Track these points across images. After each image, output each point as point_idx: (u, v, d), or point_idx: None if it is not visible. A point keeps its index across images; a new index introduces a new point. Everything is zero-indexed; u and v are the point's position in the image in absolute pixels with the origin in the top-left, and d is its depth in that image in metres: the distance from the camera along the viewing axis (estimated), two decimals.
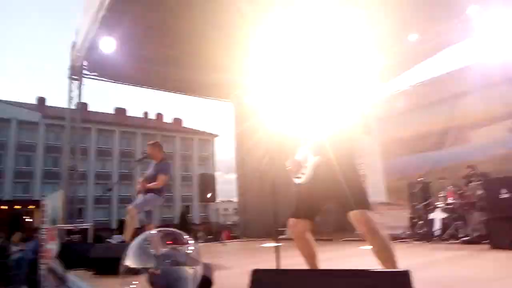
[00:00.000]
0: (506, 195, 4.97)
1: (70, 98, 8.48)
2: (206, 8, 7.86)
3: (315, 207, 2.51)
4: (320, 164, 2.43)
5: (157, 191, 4.94)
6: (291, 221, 2.51)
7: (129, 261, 2.29)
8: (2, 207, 26.02)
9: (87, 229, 7.08)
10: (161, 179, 4.88)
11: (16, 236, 10.62)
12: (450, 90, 8.91)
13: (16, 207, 26.44)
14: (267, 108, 11.35)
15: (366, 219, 2.24)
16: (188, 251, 2.37)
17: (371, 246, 2.24)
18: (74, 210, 8.40)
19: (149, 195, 4.89)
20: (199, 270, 2.35)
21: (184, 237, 2.50)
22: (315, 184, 2.45)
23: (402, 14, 7.52)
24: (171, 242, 2.44)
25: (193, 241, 2.51)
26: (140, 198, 4.94)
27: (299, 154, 2.60)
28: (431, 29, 7.74)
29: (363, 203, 2.29)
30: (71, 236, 6.66)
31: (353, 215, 2.26)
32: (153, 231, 2.54)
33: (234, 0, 7.49)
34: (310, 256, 2.51)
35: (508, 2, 6.75)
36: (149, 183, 4.91)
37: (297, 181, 2.54)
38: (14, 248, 10.20)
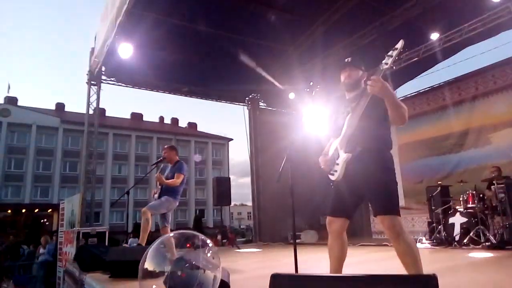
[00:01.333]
0: None
1: (89, 103, 8.61)
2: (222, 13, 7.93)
3: (350, 205, 2.44)
4: (352, 161, 2.36)
5: (172, 194, 4.93)
6: (328, 219, 2.47)
7: (148, 264, 2.28)
8: (23, 210, 26.60)
9: (103, 232, 7.14)
10: (179, 178, 4.89)
11: (43, 239, 10.85)
12: (470, 91, 8.73)
13: (35, 210, 26.99)
14: (283, 112, 11.37)
15: (393, 224, 2.20)
16: (208, 255, 2.34)
17: (396, 250, 2.21)
18: (91, 213, 8.50)
19: (164, 197, 4.88)
20: (218, 274, 2.33)
21: (204, 240, 2.47)
22: (348, 182, 2.40)
23: (425, 12, 7.40)
24: (189, 245, 2.42)
25: (211, 244, 2.48)
26: (155, 200, 4.95)
27: (331, 150, 2.55)
28: (451, 29, 7.58)
29: (391, 207, 2.24)
30: (88, 239, 6.72)
31: (381, 219, 2.24)
32: (172, 234, 2.52)
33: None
34: (339, 259, 2.44)
35: None
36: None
37: (330, 177, 2.49)
38: (41, 251, 10.43)
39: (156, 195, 4.98)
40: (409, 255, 2.17)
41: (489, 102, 8.38)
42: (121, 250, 4.58)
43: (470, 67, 8.90)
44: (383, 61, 2.21)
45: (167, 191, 4.92)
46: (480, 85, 8.57)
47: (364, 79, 2.52)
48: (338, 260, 2.44)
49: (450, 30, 7.64)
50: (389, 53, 2.20)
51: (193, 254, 2.28)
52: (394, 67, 2.20)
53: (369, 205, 2.39)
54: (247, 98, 11.39)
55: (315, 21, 8.58)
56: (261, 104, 11.52)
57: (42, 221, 25.18)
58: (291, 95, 10.52)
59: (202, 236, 2.44)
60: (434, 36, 7.97)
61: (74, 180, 32.54)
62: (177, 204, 5.05)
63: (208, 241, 2.43)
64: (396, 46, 2.21)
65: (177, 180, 4.87)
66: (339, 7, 7.97)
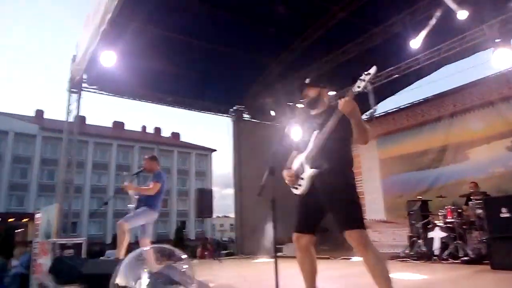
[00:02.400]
0: (506, 215, 4.91)
1: (69, 111, 8.45)
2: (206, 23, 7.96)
3: (314, 220, 2.52)
4: (317, 176, 2.44)
5: (150, 204, 4.80)
6: (295, 235, 2.53)
7: (120, 279, 2.21)
8: None
9: (80, 243, 6.93)
10: (155, 186, 4.74)
11: (17, 250, 10.43)
12: (449, 108, 8.97)
13: (10, 220, 26.05)
14: (267, 124, 11.42)
15: (359, 237, 2.27)
16: (183, 269, 2.29)
17: (365, 262, 2.27)
18: (68, 224, 8.26)
19: (142, 209, 4.75)
20: None
21: (179, 254, 2.43)
22: (312, 197, 2.47)
23: (401, 32, 7.61)
24: (165, 259, 2.36)
25: (187, 258, 2.43)
26: (131, 212, 4.79)
27: (296, 164, 2.62)
28: (431, 47, 7.81)
29: (356, 221, 2.31)
30: (64, 250, 6.51)
31: (348, 234, 2.29)
32: (147, 248, 2.45)
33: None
34: (311, 273, 2.50)
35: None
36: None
37: (294, 191, 2.57)
38: (14, 263, 10.01)
39: (132, 205, 4.82)
40: (377, 267, 2.22)
41: (466, 119, 8.63)
42: (99, 263, 4.44)
43: (449, 85, 9.19)
44: (356, 84, 2.31)
45: (146, 201, 4.77)
46: (458, 103, 8.82)
47: (326, 97, 2.67)
48: (311, 274, 2.51)
49: (429, 49, 7.87)
50: (362, 77, 2.30)
51: (168, 269, 2.23)
52: (365, 90, 2.30)
53: (334, 221, 2.41)
54: (231, 110, 11.40)
55: (298, 36, 8.72)
56: (245, 116, 11.55)
57: (16, 231, 24.28)
58: (272, 113, 10.61)
59: (177, 251, 2.40)
60: (415, 44, 8.07)
61: (52, 189, 31.62)
62: (157, 215, 4.92)
63: (184, 255, 2.39)
64: (369, 71, 2.30)
65: (150, 189, 4.73)
66: (322, 24, 8.14)
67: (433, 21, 6.85)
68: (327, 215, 2.53)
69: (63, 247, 6.51)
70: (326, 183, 2.41)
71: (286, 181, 2.63)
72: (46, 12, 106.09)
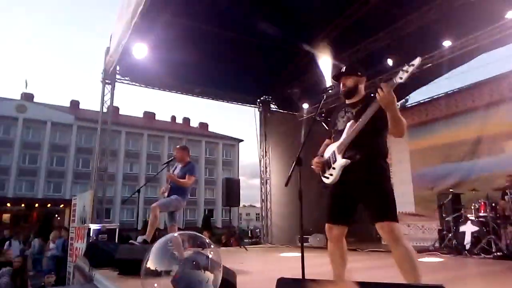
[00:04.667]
0: None
1: (103, 102, 8.75)
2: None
3: (347, 211, 2.49)
4: (349, 168, 2.41)
5: (181, 193, 4.99)
6: (327, 225, 2.54)
7: (150, 263, 2.32)
8: (36, 205, 27.07)
9: (114, 229, 7.24)
10: (190, 179, 4.94)
11: (54, 234, 11.04)
12: (485, 98, 8.60)
13: (48, 205, 27.43)
14: (293, 115, 11.38)
15: (391, 230, 2.24)
16: (210, 255, 2.37)
17: (394, 256, 2.24)
18: (102, 210, 8.62)
19: (174, 196, 4.94)
20: (220, 274, 2.35)
21: (207, 241, 2.51)
22: (344, 187, 2.45)
23: (438, 19, 7.33)
24: (192, 246, 2.45)
25: (214, 245, 2.51)
26: (164, 198, 4.98)
27: (327, 152, 2.59)
28: (466, 35, 7.49)
29: (389, 214, 2.27)
30: (98, 235, 6.82)
31: (379, 226, 2.28)
32: (176, 234, 2.55)
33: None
34: (340, 265, 2.50)
35: None
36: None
37: (325, 180, 2.55)
38: (51, 246, 10.62)
39: (165, 194, 5.03)
40: (407, 261, 2.19)
41: (503, 110, 8.24)
42: (130, 249, 4.63)
43: (485, 75, 8.78)
44: (398, 75, 2.18)
45: (177, 190, 4.97)
46: (494, 93, 8.43)
47: (362, 85, 2.59)
48: (341, 266, 2.51)
49: (464, 37, 7.55)
50: (405, 68, 2.17)
51: (196, 254, 2.31)
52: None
53: (367, 212, 2.39)
54: (258, 100, 11.43)
55: (329, 25, 8.57)
56: (272, 106, 11.55)
57: (54, 216, 25.56)
58: (305, 105, 10.57)
59: (203, 237, 2.48)
60: (447, 43, 7.87)
61: (87, 176, 32.97)
62: (185, 204, 5.11)
63: (209, 241, 2.47)
64: (412, 62, 2.17)
65: (188, 181, 4.94)
66: (353, 12, 7.93)
67: None
68: (359, 207, 2.51)
69: (98, 232, 6.83)
70: (358, 174, 2.37)
71: (314, 167, 2.61)
72: (82, 4, 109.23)
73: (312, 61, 9.57)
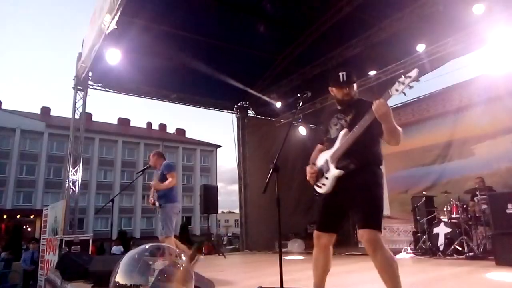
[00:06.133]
0: None
1: (75, 108, 8.50)
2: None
3: (336, 220, 2.48)
4: (342, 177, 2.39)
5: (170, 198, 4.84)
6: (315, 233, 2.51)
7: (120, 277, 2.21)
8: (4, 216, 25.92)
9: (87, 240, 7.02)
10: (172, 177, 4.79)
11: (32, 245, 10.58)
12: (454, 103, 8.90)
13: (17, 216, 26.33)
14: (271, 120, 11.43)
15: (372, 239, 2.23)
16: (184, 266, 2.30)
17: (375, 265, 2.24)
18: (74, 220, 8.34)
19: (167, 206, 4.79)
20: (192, 286, 2.29)
21: (180, 252, 2.44)
22: (335, 196, 2.43)
23: (409, 27, 7.55)
24: (167, 257, 2.38)
25: (188, 256, 2.44)
26: (159, 220, 4.81)
27: (320, 161, 2.56)
28: (436, 42, 7.75)
29: (372, 222, 2.26)
30: (71, 247, 6.59)
31: (361, 232, 2.27)
32: (147, 245, 2.45)
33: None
34: (323, 271, 2.48)
35: None
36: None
37: (317, 189, 2.51)
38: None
39: (156, 203, 4.86)
40: (386, 270, 2.20)
41: (472, 114, 8.54)
42: (104, 260, 4.49)
43: (454, 80, 9.10)
44: (394, 86, 2.16)
45: (165, 196, 4.84)
46: (464, 98, 8.74)
47: (355, 93, 2.54)
48: (322, 271, 2.48)
49: (434, 44, 7.81)
50: (401, 80, 2.14)
51: (169, 266, 2.24)
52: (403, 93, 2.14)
53: (352, 217, 2.41)
54: (235, 106, 11.41)
55: (304, 32, 8.68)
56: (249, 112, 11.56)
57: (23, 227, 24.54)
58: (278, 104, 10.59)
59: (176, 249, 2.41)
60: (420, 47, 8.10)
61: (59, 185, 31.91)
62: (180, 205, 4.98)
63: (182, 253, 2.41)
64: (409, 74, 2.12)
65: (172, 181, 4.79)
66: (328, 19, 8.08)
67: None
68: (349, 214, 2.50)
69: (70, 243, 6.60)
70: (351, 182, 2.37)
71: (308, 178, 2.57)
72: (52, 9, 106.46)
73: (288, 67, 9.68)
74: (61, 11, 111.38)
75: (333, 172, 2.41)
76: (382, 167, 2.55)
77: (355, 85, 2.53)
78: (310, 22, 8.38)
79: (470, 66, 8.51)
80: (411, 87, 2.16)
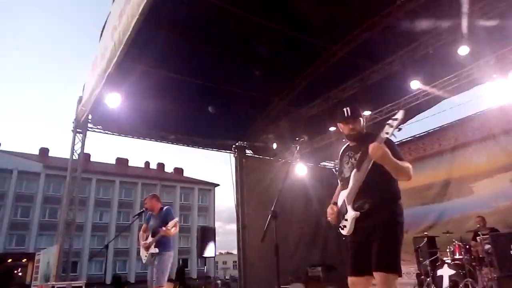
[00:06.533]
0: None
1: (73, 150, 8.53)
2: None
3: (368, 261, 2.36)
4: (361, 218, 2.40)
5: (167, 245, 4.74)
6: (350, 280, 2.43)
7: None
8: None
9: (80, 287, 6.78)
10: (176, 224, 4.71)
11: None
12: (450, 142, 9.00)
13: (9, 260, 25.57)
14: (269, 160, 11.45)
15: (384, 281, 2.21)
16: None
17: None
18: (68, 263, 8.10)
19: (165, 254, 4.67)
20: None
21: None
22: (358, 237, 2.41)
23: (401, 69, 7.78)
24: None
25: None
26: (155, 268, 4.60)
27: (340, 201, 2.56)
28: (429, 83, 7.97)
29: (388, 266, 2.25)
30: None
31: (376, 275, 2.24)
32: None
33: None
34: None
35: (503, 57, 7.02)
36: (155, 236, 4.74)
37: (341, 231, 2.51)
38: None
39: (152, 249, 4.69)
40: None
41: (468, 152, 8.63)
42: None
43: (449, 119, 9.27)
44: (384, 130, 2.24)
45: (163, 244, 4.73)
46: (459, 136, 8.87)
47: (362, 128, 2.59)
48: None
49: (428, 84, 8.03)
50: (389, 122, 2.23)
51: None
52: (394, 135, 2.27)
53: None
54: (233, 146, 11.47)
55: (300, 74, 8.93)
56: (247, 152, 11.60)
57: (14, 271, 23.74)
58: (274, 145, 10.68)
59: None
60: (414, 84, 8.20)
61: (53, 227, 31.26)
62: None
63: None
64: (395, 116, 2.23)
65: (177, 228, 4.73)
66: (322, 62, 8.34)
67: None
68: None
69: None
70: (368, 222, 2.36)
71: (329, 219, 2.58)
72: (53, 52, 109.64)
73: (285, 108, 9.85)
74: (62, 53, 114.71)
75: (350, 214, 2.43)
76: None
77: (361, 119, 2.58)
78: (305, 65, 8.64)
79: (464, 105, 8.71)
80: (399, 129, 2.26)
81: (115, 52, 5.77)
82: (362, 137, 2.56)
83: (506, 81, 7.05)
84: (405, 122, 10.13)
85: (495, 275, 5.63)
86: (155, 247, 4.69)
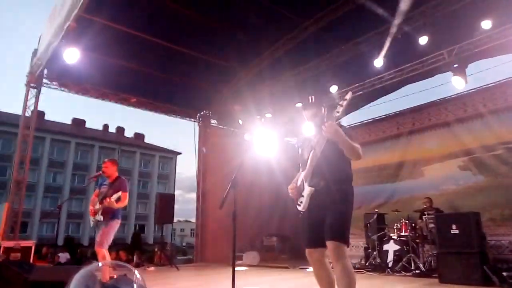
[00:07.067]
0: (456, 231, 5.20)
1: (26, 106, 8.03)
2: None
3: (322, 234, 2.57)
4: (315, 194, 2.59)
5: (118, 214, 4.71)
6: (306, 251, 2.64)
7: None
8: None
9: (30, 247, 6.56)
10: (125, 197, 4.67)
11: None
12: (408, 126, 9.38)
13: None
14: (233, 131, 11.42)
15: (335, 249, 2.41)
16: (135, 281, 2.23)
17: (335, 274, 2.44)
18: (17, 223, 7.79)
19: (113, 222, 4.64)
20: None
21: (130, 267, 2.37)
22: (313, 212, 2.60)
23: (369, 51, 7.87)
24: (117, 271, 2.29)
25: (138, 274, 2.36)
26: (100, 230, 4.62)
27: (299, 180, 2.75)
28: (395, 67, 8.14)
29: (338, 234, 2.45)
30: (10, 254, 6.13)
31: (327, 243, 2.44)
32: (100, 263, 2.35)
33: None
34: (329, 283, 2.58)
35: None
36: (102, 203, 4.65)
37: (297, 207, 2.69)
38: None
39: (98, 217, 4.65)
40: (344, 280, 2.38)
41: (423, 137, 9.05)
42: (46, 269, 4.22)
43: (409, 104, 9.60)
44: (335, 110, 2.50)
45: (112, 212, 4.67)
46: (416, 121, 9.24)
47: (323, 115, 2.79)
48: (329, 285, 2.58)
49: (393, 68, 8.21)
50: (340, 102, 2.49)
51: (123, 281, 2.16)
52: (345, 114, 2.58)
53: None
54: (198, 115, 11.30)
55: (268, 47, 8.81)
56: (212, 121, 11.48)
57: None
58: (240, 121, 10.65)
59: (127, 265, 2.34)
60: (378, 63, 8.31)
61: (3, 186, 29.83)
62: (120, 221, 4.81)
63: (134, 269, 2.34)
64: (345, 97, 2.50)
65: (124, 201, 4.67)
66: (293, 37, 8.26)
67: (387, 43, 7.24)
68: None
69: (9, 250, 6.13)
70: (323, 199, 2.56)
71: (290, 195, 2.75)
72: (7, 3, 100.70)
73: (253, 79, 9.76)
74: (18, 4, 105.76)
75: (306, 190, 2.62)
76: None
77: (323, 108, 2.78)
78: (276, 39, 8.52)
79: (423, 92, 9.02)
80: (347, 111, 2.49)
81: (75, 3, 5.38)
82: (323, 124, 2.74)
83: (464, 72, 7.36)
84: (368, 103, 10.42)
85: (435, 252, 6.09)
86: (100, 214, 4.62)
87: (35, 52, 7.96)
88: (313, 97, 2.78)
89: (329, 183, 2.58)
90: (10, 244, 6.42)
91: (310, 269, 2.72)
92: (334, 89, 8.74)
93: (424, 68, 7.79)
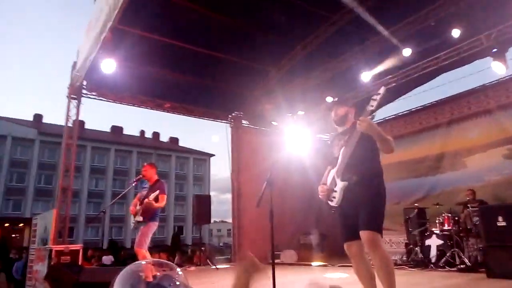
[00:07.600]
0: (503, 223, 4.95)
1: (68, 117, 8.46)
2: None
3: (355, 226, 2.63)
4: (347, 187, 2.65)
5: (154, 216, 4.89)
6: (345, 245, 2.70)
7: None
8: None
9: (77, 250, 6.90)
10: (163, 199, 4.85)
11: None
12: (446, 116, 9.02)
13: (5, 225, 25.89)
14: (265, 131, 11.45)
15: (371, 239, 2.46)
16: (178, 280, 2.29)
17: (373, 264, 2.50)
18: (64, 229, 8.23)
19: (151, 223, 4.84)
20: None
21: (173, 266, 2.44)
22: (347, 206, 2.67)
23: (403, 40, 7.66)
24: (160, 270, 2.37)
25: (182, 268, 2.44)
26: (141, 230, 4.83)
27: (329, 179, 2.83)
28: (428, 56, 7.87)
29: (371, 224, 2.51)
30: (61, 257, 6.47)
31: (361, 234, 2.50)
32: (144, 260, 2.45)
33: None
34: (369, 278, 2.62)
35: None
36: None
37: (330, 203, 2.75)
38: None
39: (138, 217, 4.85)
40: (382, 268, 2.44)
41: (464, 127, 8.68)
42: (95, 271, 4.44)
43: (446, 93, 9.24)
44: (369, 104, 2.59)
45: (151, 214, 4.86)
46: (455, 111, 8.88)
47: (352, 114, 2.91)
48: (369, 279, 2.63)
49: (428, 57, 7.93)
50: (374, 97, 2.57)
51: (166, 280, 2.23)
52: (379, 107, 2.70)
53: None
54: (229, 116, 11.42)
55: (297, 44, 8.77)
56: (243, 122, 11.56)
57: (12, 236, 24.10)
58: (274, 123, 10.67)
59: (170, 263, 2.41)
60: (407, 52, 8.03)
61: (49, 193, 31.55)
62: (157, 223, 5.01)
63: (177, 267, 2.41)
64: (379, 91, 2.61)
65: (162, 203, 4.85)
66: (321, 32, 8.17)
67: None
68: None
69: (60, 254, 6.49)
70: (356, 193, 2.62)
71: (320, 196, 2.82)
72: (48, 18, 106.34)
73: (284, 78, 9.74)
74: (56, 18, 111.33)
75: (339, 184, 2.68)
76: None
77: (346, 107, 2.90)
78: (303, 35, 8.46)
79: (462, 79, 8.65)
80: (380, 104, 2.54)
81: (111, 15, 5.61)
82: (351, 124, 2.86)
83: (504, 56, 7.00)
84: (403, 95, 10.12)
85: (480, 246, 5.83)
86: (140, 215, 4.79)
87: (74, 65, 8.37)
88: (337, 98, 2.97)
89: (362, 178, 2.63)
90: (60, 248, 6.77)
91: (350, 266, 2.73)
92: (367, 77, 8.52)
93: (460, 55, 7.47)
